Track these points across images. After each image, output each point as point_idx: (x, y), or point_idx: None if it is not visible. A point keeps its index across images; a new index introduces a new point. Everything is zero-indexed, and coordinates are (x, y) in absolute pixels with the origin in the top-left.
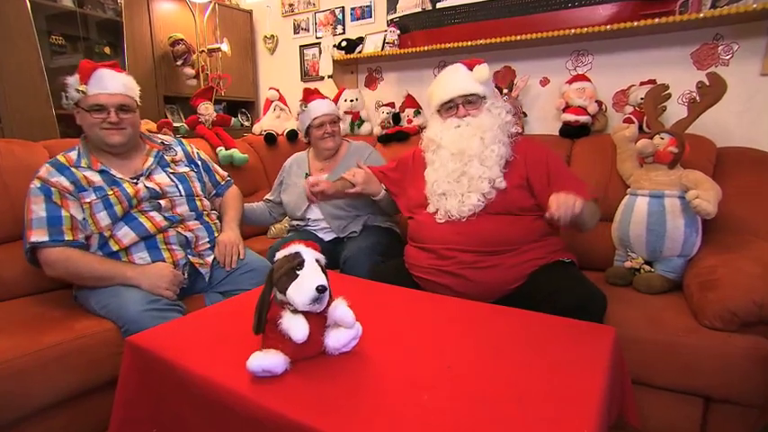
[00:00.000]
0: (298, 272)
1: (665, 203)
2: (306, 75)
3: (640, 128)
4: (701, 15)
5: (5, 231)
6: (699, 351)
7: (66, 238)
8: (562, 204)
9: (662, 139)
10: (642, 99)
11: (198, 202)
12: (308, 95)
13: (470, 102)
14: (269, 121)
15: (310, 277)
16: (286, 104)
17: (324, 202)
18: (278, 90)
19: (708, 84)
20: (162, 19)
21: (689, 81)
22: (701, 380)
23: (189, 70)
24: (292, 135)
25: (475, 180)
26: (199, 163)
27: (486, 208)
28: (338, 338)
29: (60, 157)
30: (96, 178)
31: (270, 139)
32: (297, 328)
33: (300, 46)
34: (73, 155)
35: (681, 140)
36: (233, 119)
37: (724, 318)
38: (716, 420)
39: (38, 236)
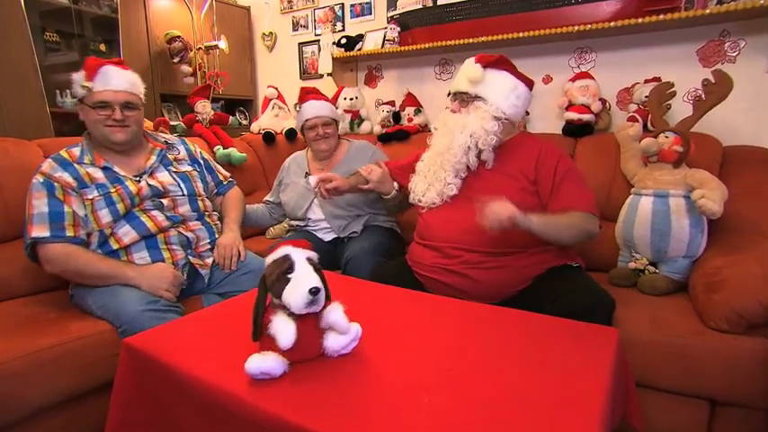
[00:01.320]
0: (289, 275)
1: (669, 203)
2: (305, 72)
3: (645, 126)
4: (708, 11)
5: None
6: (704, 353)
7: (68, 235)
8: (491, 213)
9: (667, 137)
10: (646, 97)
11: (200, 203)
12: (304, 95)
13: (463, 99)
14: (267, 120)
15: (302, 280)
16: (285, 103)
17: (335, 197)
18: (276, 88)
19: (714, 81)
20: (158, 15)
21: (694, 78)
22: (706, 382)
23: (186, 68)
24: (291, 134)
25: (448, 169)
26: (201, 162)
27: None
28: (337, 340)
29: (63, 153)
30: (99, 175)
31: (268, 137)
32: (284, 334)
33: (299, 43)
34: (76, 151)
35: (686, 139)
36: (231, 117)
37: (730, 319)
38: (721, 423)
39: (39, 231)
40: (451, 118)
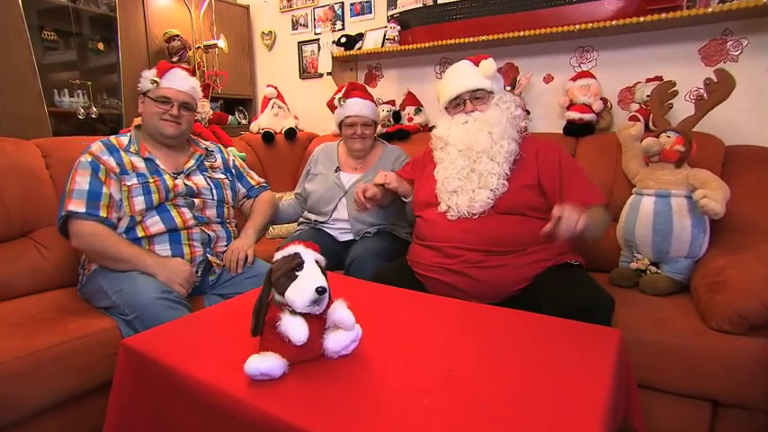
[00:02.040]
0: (297, 273)
1: (671, 203)
2: (304, 72)
3: (646, 126)
4: (710, 10)
5: None
6: (706, 354)
7: (101, 215)
8: (565, 220)
9: (668, 137)
10: (648, 96)
11: (225, 209)
12: (350, 90)
13: (477, 97)
14: (267, 120)
15: (310, 278)
16: (284, 102)
17: (374, 206)
18: (276, 87)
19: (716, 80)
20: (157, 14)
21: (696, 78)
22: (708, 383)
23: (186, 66)
24: (290, 133)
25: (485, 176)
26: (233, 171)
27: (494, 207)
28: (338, 341)
29: (113, 139)
30: (141, 165)
31: (268, 137)
32: (296, 329)
33: (299, 42)
34: (124, 139)
35: (688, 139)
36: (230, 117)
37: (732, 320)
38: (724, 425)
39: (75, 206)
40: (466, 120)
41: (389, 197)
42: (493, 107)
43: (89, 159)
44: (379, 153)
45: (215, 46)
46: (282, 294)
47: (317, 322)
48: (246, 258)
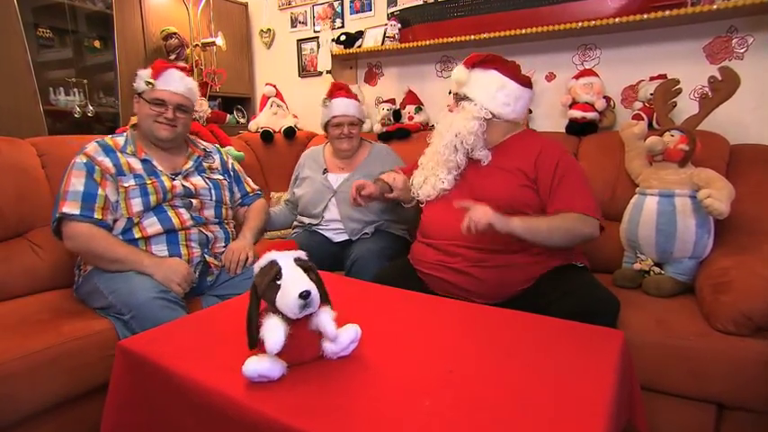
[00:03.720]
0: (278, 282)
1: (675, 203)
2: (303, 70)
3: (650, 125)
4: (715, 7)
5: None
6: (711, 356)
7: (96, 217)
8: (469, 218)
9: (672, 136)
10: (652, 95)
11: (223, 210)
12: (334, 91)
13: (459, 99)
14: (265, 118)
15: (292, 285)
16: (283, 101)
17: (369, 203)
18: (275, 86)
19: (720, 78)
20: (154, 12)
21: (701, 76)
22: (713, 386)
23: (182, 65)
24: (290, 132)
25: (441, 167)
26: (231, 173)
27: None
28: (336, 342)
29: (108, 140)
30: (138, 166)
31: (266, 136)
32: (272, 338)
33: (298, 40)
34: (120, 140)
35: (692, 137)
36: (228, 116)
37: (738, 321)
38: (729, 428)
39: (70, 207)
40: (443, 117)
41: (381, 198)
42: (459, 112)
43: (84, 160)
44: (365, 153)
45: (213, 44)
46: (274, 304)
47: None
48: (247, 259)
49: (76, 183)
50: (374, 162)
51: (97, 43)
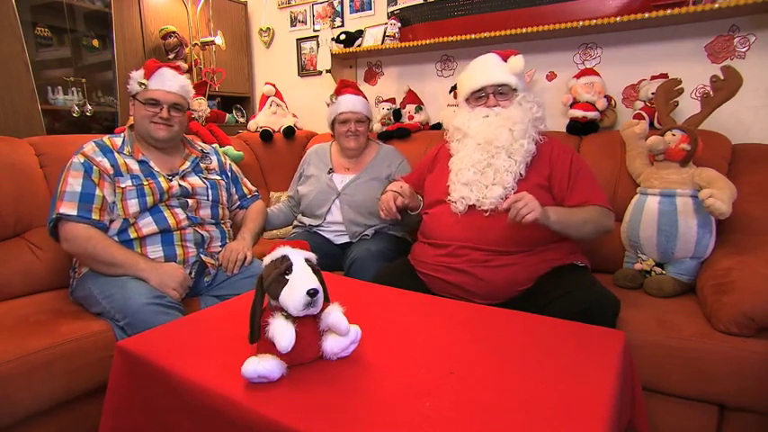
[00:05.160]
0: (287, 276)
1: (676, 203)
2: (303, 69)
3: (651, 124)
4: (716, 5)
5: None
6: (713, 357)
7: (93, 217)
8: (515, 204)
9: (674, 135)
10: (653, 94)
11: (220, 210)
12: (341, 88)
13: (501, 92)
14: (265, 118)
15: (300, 281)
16: (282, 100)
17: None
18: (274, 85)
19: (722, 77)
20: (153, 10)
21: (702, 75)
22: (715, 387)
23: (181, 64)
24: (289, 132)
25: (500, 173)
26: (229, 174)
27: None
28: (336, 343)
29: (106, 140)
30: (135, 167)
31: (266, 135)
32: (283, 336)
33: (297, 39)
34: (118, 141)
35: (693, 137)
36: (227, 115)
37: (740, 322)
38: (731, 429)
39: (67, 208)
40: (494, 112)
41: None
42: (515, 105)
43: (82, 160)
44: (373, 153)
45: (212, 43)
46: (276, 299)
47: (315, 324)
48: (245, 259)
49: (74, 183)
50: (381, 164)
51: (95, 42)
